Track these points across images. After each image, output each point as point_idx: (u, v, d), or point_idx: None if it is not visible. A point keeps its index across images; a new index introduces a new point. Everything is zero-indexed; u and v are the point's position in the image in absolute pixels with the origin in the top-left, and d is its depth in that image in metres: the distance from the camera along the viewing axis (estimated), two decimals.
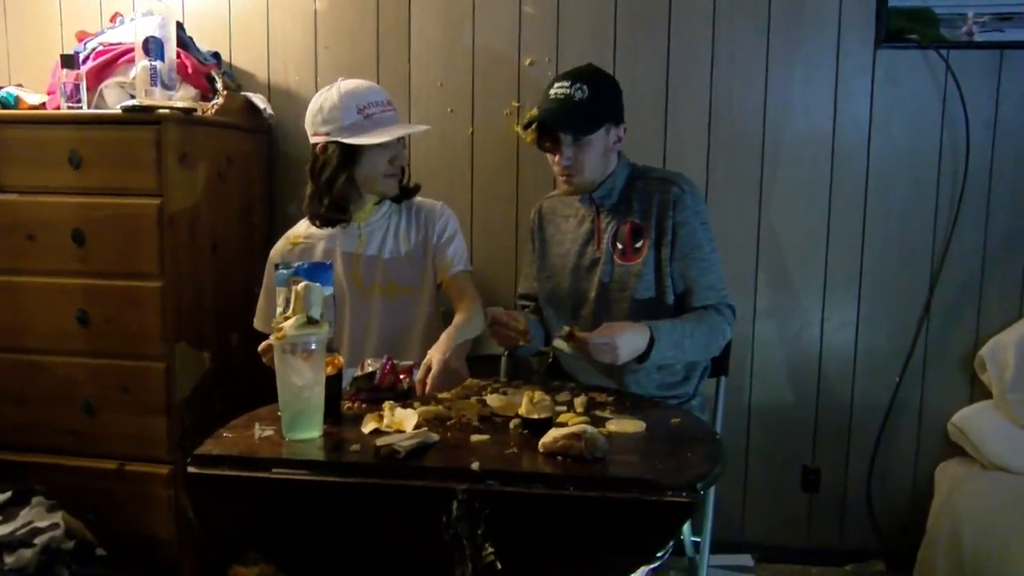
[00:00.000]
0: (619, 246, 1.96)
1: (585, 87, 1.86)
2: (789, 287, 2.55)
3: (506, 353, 2.32)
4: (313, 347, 1.44)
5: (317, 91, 2.05)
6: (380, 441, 1.35)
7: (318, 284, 1.52)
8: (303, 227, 2.11)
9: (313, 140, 1.98)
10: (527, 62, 2.55)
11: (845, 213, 2.50)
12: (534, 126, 1.91)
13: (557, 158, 1.92)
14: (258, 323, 2.09)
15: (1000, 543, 1.90)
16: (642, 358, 1.75)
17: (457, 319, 1.85)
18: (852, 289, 2.52)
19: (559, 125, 1.87)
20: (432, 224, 2.08)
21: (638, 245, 1.94)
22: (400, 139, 1.99)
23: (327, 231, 2.05)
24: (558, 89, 1.89)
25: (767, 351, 2.58)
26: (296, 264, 1.71)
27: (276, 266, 1.73)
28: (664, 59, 2.49)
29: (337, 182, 1.93)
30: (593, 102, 1.86)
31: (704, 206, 1.96)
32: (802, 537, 2.62)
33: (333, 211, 1.98)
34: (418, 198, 2.15)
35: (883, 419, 2.54)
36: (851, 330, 2.54)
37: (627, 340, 1.70)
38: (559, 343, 1.70)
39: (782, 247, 2.53)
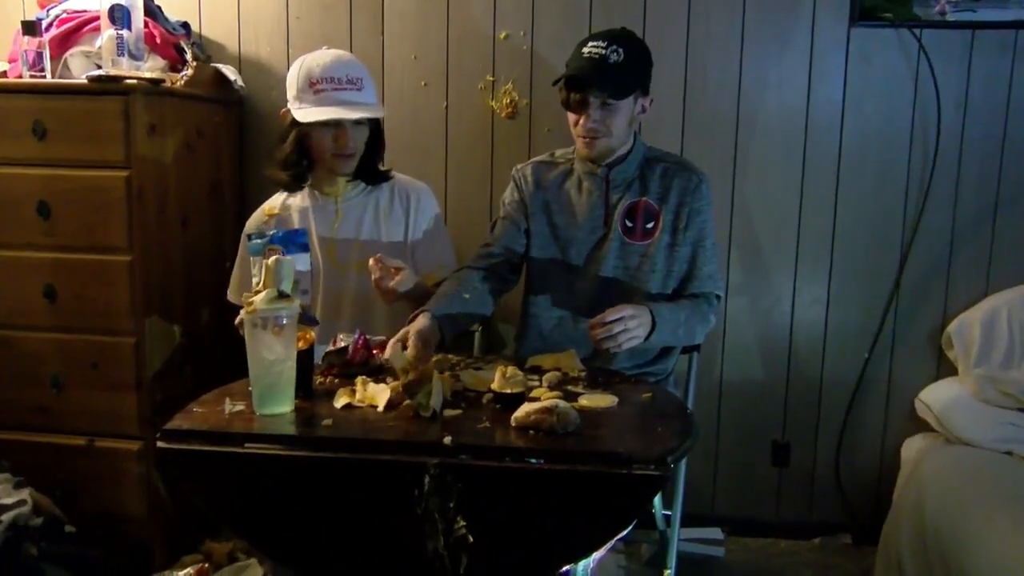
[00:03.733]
0: (628, 224, 1.95)
1: (621, 50, 1.82)
2: (761, 264, 2.58)
3: (479, 328, 2.32)
4: (284, 321, 1.43)
5: (289, 63, 2.02)
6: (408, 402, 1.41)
7: (289, 257, 1.50)
8: (279, 199, 2.11)
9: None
10: (502, 35, 2.54)
11: (817, 191, 2.52)
12: (562, 82, 1.87)
13: (581, 119, 1.87)
14: (231, 295, 2.09)
15: (961, 514, 1.94)
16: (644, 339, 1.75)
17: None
18: (823, 267, 2.55)
19: (593, 85, 1.82)
20: (416, 212, 2.07)
21: (649, 226, 1.94)
22: (358, 120, 1.95)
23: (303, 201, 2.05)
24: (592, 48, 1.84)
25: (739, 328, 2.61)
26: (270, 232, 1.70)
27: (249, 236, 1.72)
28: (640, 34, 2.45)
29: (286, 148, 1.96)
30: (628, 66, 1.83)
31: (710, 202, 1.99)
32: (771, 511, 2.66)
33: (283, 173, 1.99)
34: (403, 176, 2.14)
35: (852, 395, 2.58)
36: (821, 307, 2.57)
37: (637, 324, 1.69)
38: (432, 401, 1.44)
39: (754, 225, 2.56)
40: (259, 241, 1.65)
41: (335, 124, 1.93)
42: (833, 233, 2.53)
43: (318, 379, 1.65)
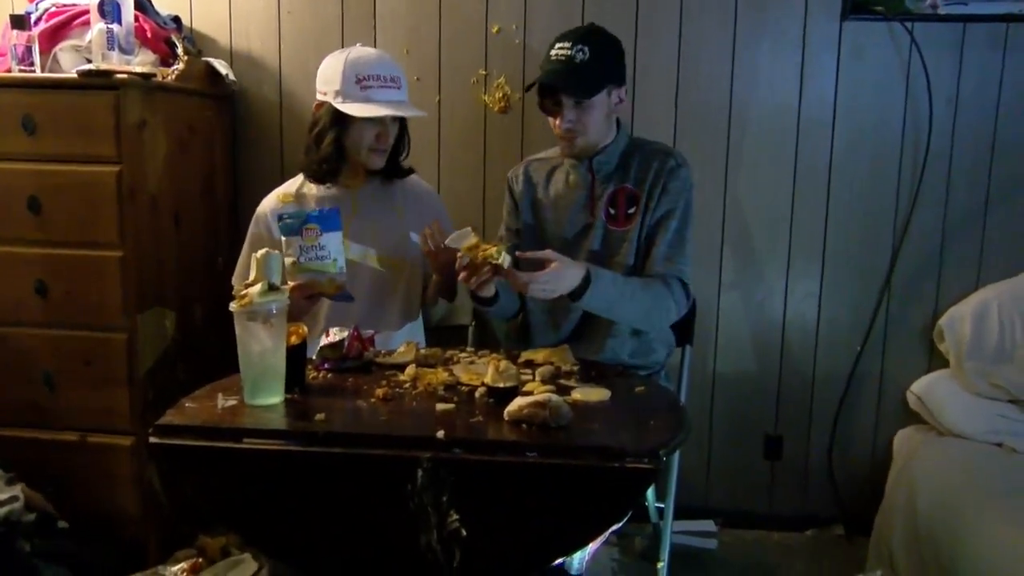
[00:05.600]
0: (611, 212, 1.96)
1: (586, 48, 1.84)
2: (754, 260, 2.58)
3: (473, 323, 2.33)
4: (274, 312, 1.44)
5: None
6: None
7: (277, 252, 1.52)
8: (294, 185, 2.10)
9: (317, 96, 2.01)
10: (494, 29, 2.54)
11: (809, 187, 2.52)
12: (535, 87, 1.91)
13: (558, 120, 1.91)
14: (237, 281, 2.07)
15: (952, 506, 1.96)
16: (574, 296, 1.74)
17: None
18: (815, 262, 2.55)
19: (561, 88, 1.86)
20: (426, 216, 2.06)
21: (631, 211, 1.95)
22: (395, 118, 1.99)
23: (319, 191, 2.06)
24: (559, 50, 1.87)
25: (731, 322, 2.61)
26: (305, 210, 1.77)
27: (280, 216, 1.74)
28: (632, 31, 2.48)
29: (323, 141, 1.97)
30: (595, 63, 1.85)
31: (692, 189, 1.97)
32: (764, 503, 2.67)
33: (320, 167, 2.00)
34: (415, 178, 2.18)
35: (844, 388, 2.59)
36: (814, 301, 2.58)
37: (564, 276, 1.70)
38: (503, 256, 1.66)
39: (747, 220, 2.56)
40: (291, 221, 1.69)
41: (378, 121, 1.96)
42: (825, 229, 2.54)
43: (311, 374, 1.65)
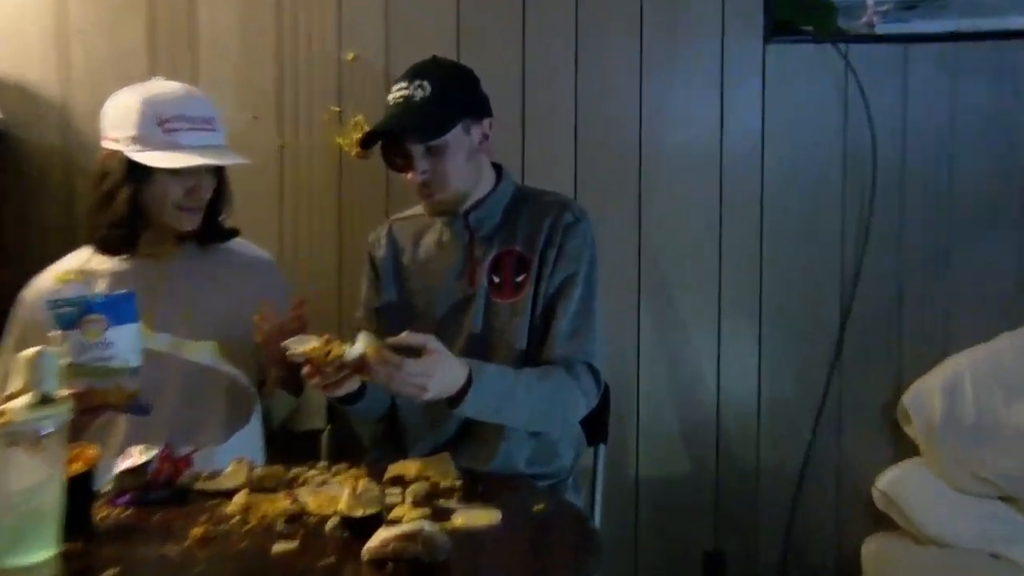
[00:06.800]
0: (495, 280, 1.97)
1: (426, 83, 1.88)
2: (677, 327, 2.61)
3: (327, 428, 2.29)
4: (47, 432, 1.33)
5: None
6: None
7: (53, 349, 1.45)
8: (77, 260, 2.03)
9: (102, 143, 1.97)
10: (349, 56, 2.55)
11: (737, 235, 2.58)
12: (378, 144, 1.94)
13: (411, 175, 1.92)
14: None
15: None
16: (453, 402, 1.72)
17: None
18: (751, 325, 2.60)
19: (401, 132, 1.88)
20: (258, 290, 2.03)
21: (520, 279, 1.96)
22: (210, 168, 1.96)
23: (113, 265, 1.99)
24: (396, 93, 1.91)
25: (654, 410, 2.61)
26: (87, 296, 1.71)
27: (54, 304, 1.66)
28: (519, 62, 2.54)
29: (116, 199, 1.92)
30: (439, 98, 1.87)
31: (595, 247, 1.98)
32: None
33: (111, 233, 1.95)
34: (241, 241, 2.15)
35: (796, 485, 2.61)
36: (752, 377, 2.61)
37: (443, 373, 1.67)
38: (353, 351, 1.62)
39: (667, 279, 2.59)
40: (68, 310, 1.62)
41: (188, 173, 1.92)
42: (761, 285, 2.59)
43: (102, 512, 1.55)
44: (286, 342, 1.64)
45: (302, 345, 1.63)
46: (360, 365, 1.63)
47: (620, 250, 2.56)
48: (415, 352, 1.64)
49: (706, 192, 2.56)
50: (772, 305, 2.58)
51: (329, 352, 1.62)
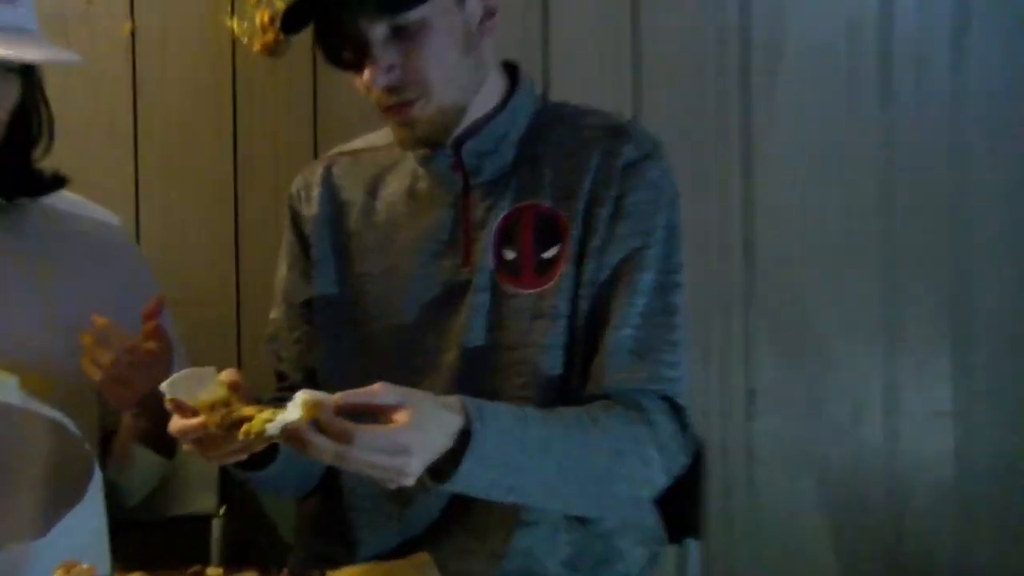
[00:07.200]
0: (507, 256, 1.55)
1: None
2: (812, 349, 2.09)
3: (221, 512, 1.94)
4: None
5: None
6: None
7: None
8: None
9: None
10: None
11: (921, 193, 2.04)
12: (307, 26, 1.50)
13: (366, 75, 1.49)
14: None
15: None
16: (441, 473, 1.30)
17: None
18: (941, 348, 2.06)
19: (349, 1, 1.49)
20: (102, 278, 1.71)
21: (548, 255, 1.53)
22: (10, 67, 1.57)
23: None
24: None
25: (777, 478, 2.08)
26: None
27: None
28: None
29: None
30: None
31: (677, 205, 1.55)
32: None
33: None
34: (72, 198, 1.81)
35: None
36: (947, 425, 2.04)
37: (429, 438, 1.27)
38: (279, 423, 1.21)
39: (795, 271, 2.08)
40: None
41: None
42: (961, 281, 2.02)
43: None
44: (166, 384, 1.31)
45: (196, 387, 1.31)
46: (292, 436, 1.23)
47: (715, 195, 2.06)
48: (381, 411, 1.27)
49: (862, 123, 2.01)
50: (979, 312, 2.02)
51: (232, 413, 1.26)
